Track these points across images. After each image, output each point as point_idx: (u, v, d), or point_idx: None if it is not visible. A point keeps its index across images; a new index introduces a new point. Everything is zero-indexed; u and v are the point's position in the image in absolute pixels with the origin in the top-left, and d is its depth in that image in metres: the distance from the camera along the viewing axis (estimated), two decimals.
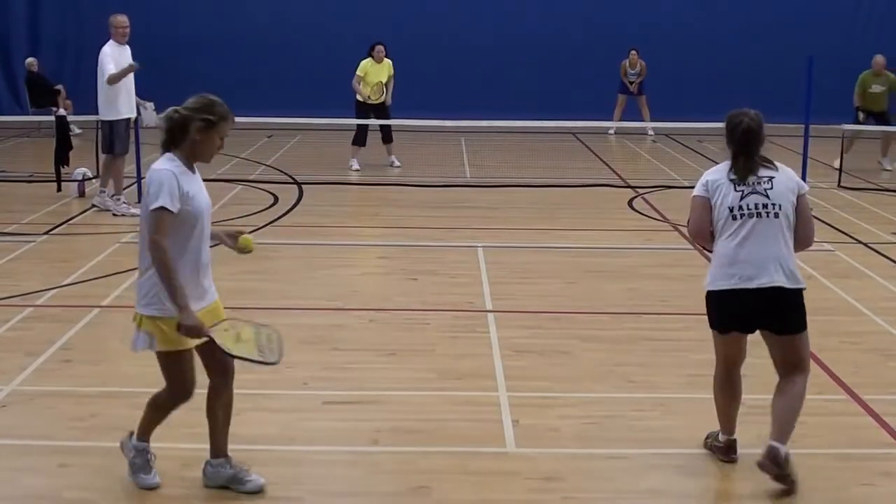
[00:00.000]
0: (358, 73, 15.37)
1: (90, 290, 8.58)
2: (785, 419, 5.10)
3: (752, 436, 5.57)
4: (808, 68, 13.30)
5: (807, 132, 13.42)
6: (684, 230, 11.24)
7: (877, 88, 15.88)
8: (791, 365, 5.17)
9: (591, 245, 10.68)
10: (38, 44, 21.94)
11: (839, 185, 14.08)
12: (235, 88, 20.24)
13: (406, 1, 22.34)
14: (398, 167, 15.75)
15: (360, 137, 15.57)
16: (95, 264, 9.40)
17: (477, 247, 10.33)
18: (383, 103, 15.53)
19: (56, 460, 5.33)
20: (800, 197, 5.20)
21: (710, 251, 5.36)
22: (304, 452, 5.51)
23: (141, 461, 4.96)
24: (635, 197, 13.44)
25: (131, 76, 11.78)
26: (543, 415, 6.09)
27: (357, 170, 15.46)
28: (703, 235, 5.30)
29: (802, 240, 5.22)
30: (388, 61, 15.53)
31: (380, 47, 15.50)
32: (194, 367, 4.80)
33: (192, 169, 4.73)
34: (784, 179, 5.19)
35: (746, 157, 5.17)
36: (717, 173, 5.26)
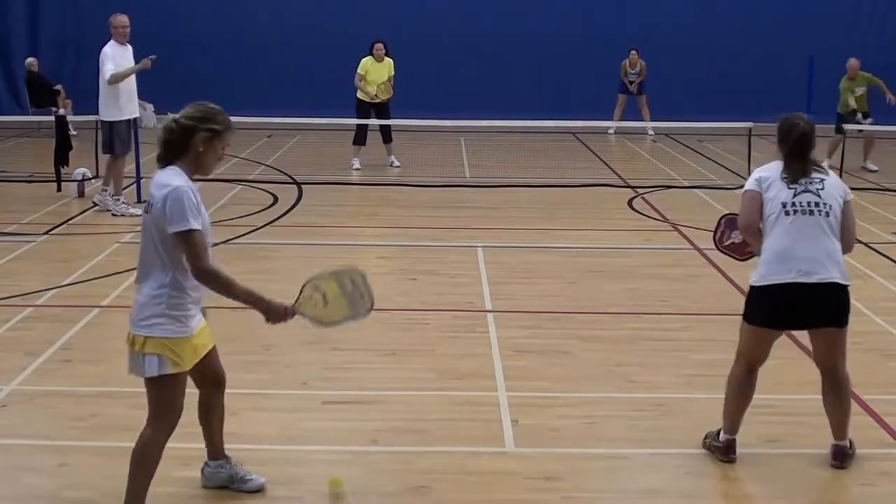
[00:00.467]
0: (359, 71, 15.37)
1: (90, 290, 8.58)
2: (844, 419, 5.39)
3: (752, 435, 5.59)
4: (808, 68, 13.30)
5: None
6: (684, 230, 11.29)
7: (859, 91, 15.93)
8: (836, 359, 5.33)
9: (590, 245, 10.68)
10: (38, 44, 21.94)
11: None
12: (235, 88, 20.45)
13: (406, 1, 22.34)
14: (398, 167, 15.75)
15: (361, 137, 15.57)
16: (95, 264, 9.40)
17: (477, 247, 10.34)
18: (385, 103, 15.54)
19: (56, 460, 5.33)
20: (845, 203, 5.32)
21: (741, 257, 5.46)
22: (303, 452, 5.51)
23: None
24: (635, 197, 13.44)
25: (133, 76, 11.77)
26: (543, 415, 6.09)
27: (358, 169, 15.46)
28: (753, 229, 5.36)
29: (843, 245, 5.30)
30: (388, 60, 15.52)
31: (379, 45, 15.50)
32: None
33: (194, 182, 4.51)
34: (834, 183, 5.33)
35: (801, 159, 5.28)
36: (769, 171, 5.35)
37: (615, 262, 10.00)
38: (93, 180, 13.16)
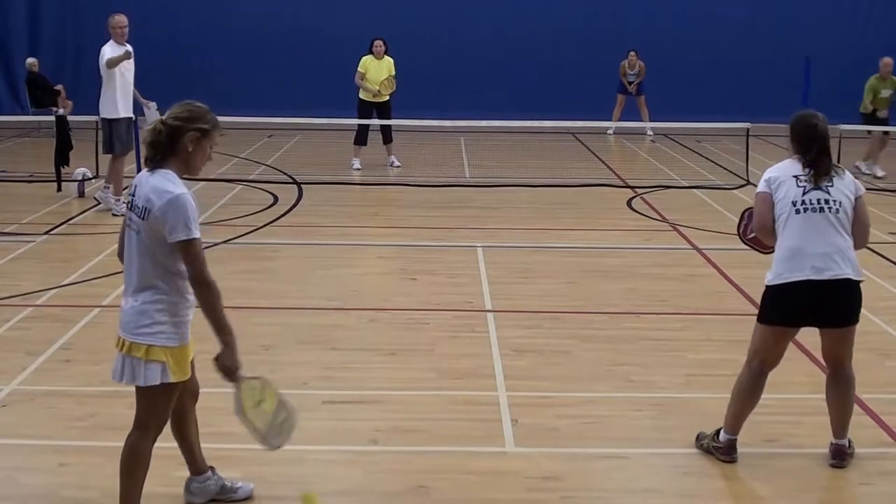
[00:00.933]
0: (359, 69, 15.38)
1: (90, 290, 8.60)
2: (846, 417, 5.41)
3: (752, 435, 5.60)
4: (805, 69, 13.32)
5: None
6: (683, 230, 11.30)
7: (885, 93, 15.77)
8: (845, 356, 5.36)
9: (590, 245, 10.69)
10: (38, 44, 21.96)
11: None
12: (236, 88, 20.49)
13: (406, 1, 22.35)
14: (398, 167, 15.75)
15: (362, 137, 15.58)
16: (95, 264, 9.41)
17: (476, 247, 10.35)
18: (386, 103, 15.55)
19: (56, 460, 5.34)
20: (857, 199, 5.36)
21: (764, 249, 5.46)
22: (303, 452, 5.50)
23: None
24: (634, 197, 13.45)
25: (130, 78, 11.78)
26: (542, 414, 6.10)
27: (358, 169, 15.47)
28: (767, 229, 5.37)
29: (858, 240, 5.33)
30: (389, 59, 15.52)
31: (378, 42, 15.50)
32: None
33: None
34: (845, 180, 5.35)
35: (826, 158, 5.33)
36: (779, 171, 5.37)
37: (614, 261, 10.02)
38: (93, 180, 13.16)
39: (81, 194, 12.75)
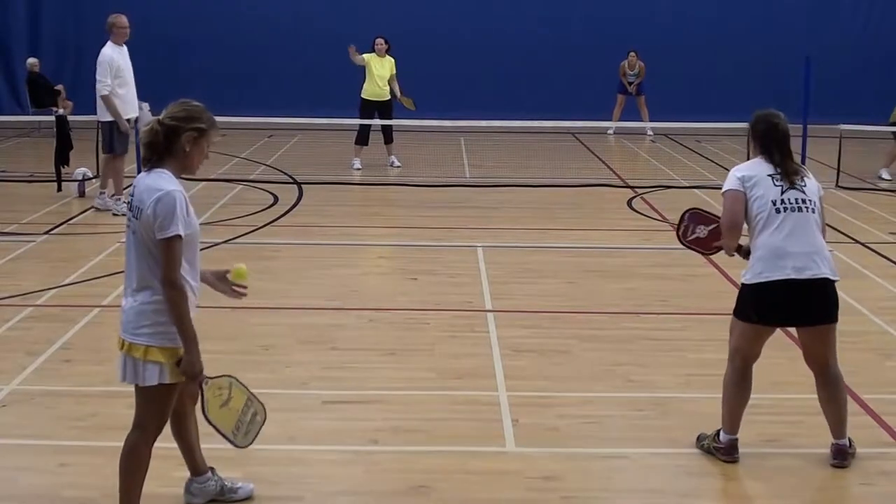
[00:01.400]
0: (364, 62, 15.46)
1: (90, 290, 8.59)
2: (841, 416, 5.40)
3: (752, 435, 5.60)
4: (805, 69, 13.32)
5: (805, 132, 13.45)
6: None
7: None
8: (828, 355, 5.35)
9: (590, 245, 10.69)
10: (39, 44, 21.94)
11: (837, 186, 14.07)
12: (236, 88, 20.49)
13: (406, 1, 22.35)
14: (398, 167, 15.75)
15: (363, 137, 15.59)
16: (95, 264, 9.40)
17: (476, 247, 10.34)
18: (388, 103, 15.55)
19: (56, 460, 5.34)
20: (820, 199, 5.39)
21: (714, 246, 5.47)
22: (304, 452, 5.51)
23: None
24: (634, 197, 13.45)
25: (130, 75, 11.76)
26: (543, 414, 6.10)
27: (358, 169, 15.47)
28: (737, 228, 5.37)
29: None
30: (390, 59, 15.54)
31: (380, 40, 15.53)
32: None
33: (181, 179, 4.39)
34: (812, 179, 5.37)
35: (790, 157, 5.32)
36: (750, 169, 5.35)
37: (614, 261, 10.02)
38: (93, 180, 13.15)
39: (82, 194, 12.75)
